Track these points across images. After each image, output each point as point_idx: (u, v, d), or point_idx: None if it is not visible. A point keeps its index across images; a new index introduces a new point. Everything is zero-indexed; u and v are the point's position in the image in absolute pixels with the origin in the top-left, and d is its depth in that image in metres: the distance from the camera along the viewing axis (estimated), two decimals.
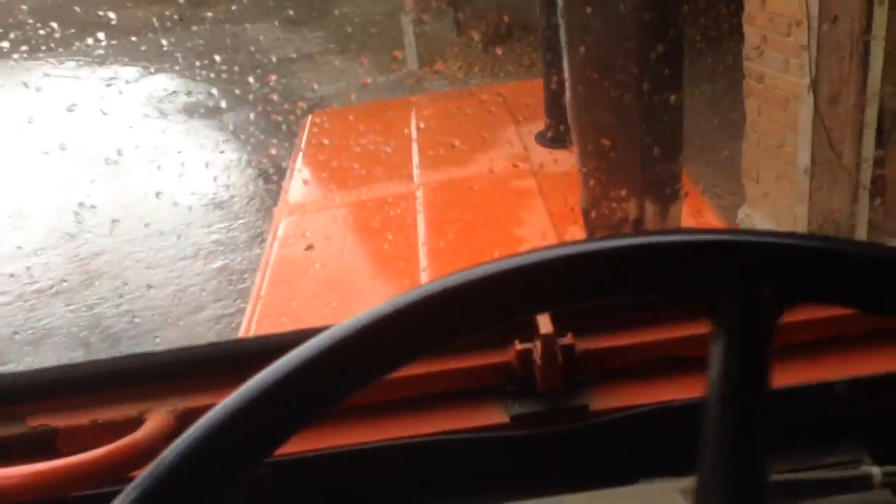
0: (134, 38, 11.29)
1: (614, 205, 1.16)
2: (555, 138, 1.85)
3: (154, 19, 12.25)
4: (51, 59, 10.74)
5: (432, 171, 1.88)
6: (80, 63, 10.52)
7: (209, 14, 12.70)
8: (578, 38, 1.12)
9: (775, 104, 3.41)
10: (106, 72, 10.05)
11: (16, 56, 10.91)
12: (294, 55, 10.02)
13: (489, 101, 2.11)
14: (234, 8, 12.16)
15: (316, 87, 8.61)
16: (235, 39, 10.91)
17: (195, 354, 0.90)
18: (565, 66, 1.22)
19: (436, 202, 1.71)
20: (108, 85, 9.68)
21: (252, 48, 10.19)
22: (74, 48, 10.69)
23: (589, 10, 1.10)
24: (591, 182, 1.25)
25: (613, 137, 1.15)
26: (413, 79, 8.47)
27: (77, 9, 12.64)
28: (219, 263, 5.32)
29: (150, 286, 5.03)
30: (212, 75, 9.25)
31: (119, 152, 6.99)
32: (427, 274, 1.47)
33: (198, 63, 9.72)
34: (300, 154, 2.11)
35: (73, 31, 11.43)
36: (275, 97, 8.21)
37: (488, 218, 1.67)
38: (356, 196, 1.82)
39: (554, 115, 1.81)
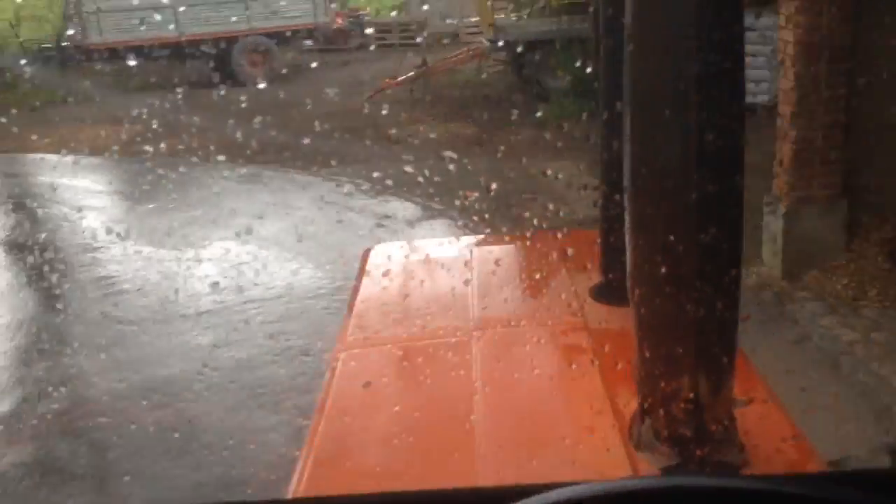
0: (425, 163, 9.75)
1: (668, 376, 1.16)
2: (610, 294, 1.73)
3: (448, 143, 10.82)
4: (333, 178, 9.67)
5: (487, 316, 1.83)
6: (358, 189, 9.20)
7: (512, 138, 11.05)
8: (642, 197, 1.09)
9: None
10: (380, 206, 8.62)
11: (298, 172, 10.04)
12: None
13: (546, 249, 2.11)
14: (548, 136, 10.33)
15: None
16: (534, 182, 8.99)
17: None
18: (626, 221, 1.17)
19: (489, 350, 1.69)
20: (380, 225, 8.11)
21: (553, 201, 8.21)
22: (349, 171, 9.52)
23: (653, 177, 1.07)
24: (644, 347, 1.20)
25: (669, 305, 1.11)
26: (771, 291, 5.90)
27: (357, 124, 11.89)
28: None
29: None
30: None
31: None
32: (477, 424, 1.43)
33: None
34: (359, 287, 2.08)
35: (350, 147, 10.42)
36: None
37: (539, 373, 1.62)
38: (413, 335, 1.79)
39: (610, 270, 1.73)
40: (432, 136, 11.36)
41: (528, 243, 2.33)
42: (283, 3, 16.93)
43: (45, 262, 7.45)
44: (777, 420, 1.41)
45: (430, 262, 2.21)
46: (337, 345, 1.80)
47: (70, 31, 16.61)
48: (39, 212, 9.21)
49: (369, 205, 8.57)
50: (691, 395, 1.15)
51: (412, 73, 13.16)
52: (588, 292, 1.84)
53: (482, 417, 1.46)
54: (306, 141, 10.86)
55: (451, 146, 10.71)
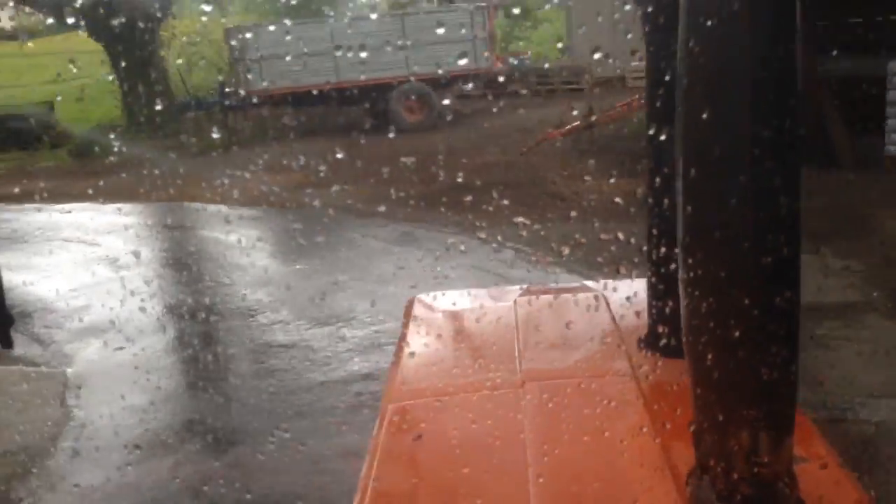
0: (595, 226, 8.77)
1: (727, 432, 1.14)
2: (659, 345, 1.70)
3: (618, 202, 9.75)
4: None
5: (534, 368, 1.78)
6: (520, 256, 8.29)
7: None
8: (698, 252, 1.09)
9: None
10: (550, 282, 7.66)
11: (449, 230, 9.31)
12: None
13: (592, 299, 2.05)
14: None
15: None
16: None
17: None
18: (680, 274, 1.13)
19: (538, 403, 1.65)
20: None
21: None
22: (510, 233, 8.64)
23: (707, 230, 1.07)
24: (701, 402, 1.18)
25: (727, 360, 1.10)
26: None
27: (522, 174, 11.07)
28: None
29: None
30: None
31: None
32: (531, 481, 1.41)
33: None
34: (406, 337, 2.01)
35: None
36: None
37: (591, 427, 1.57)
38: (460, 386, 1.76)
39: (659, 320, 1.69)
40: (601, 193, 10.34)
41: (573, 294, 2.23)
42: (442, 49, 16.50)
43: (199, 331, 7.01)
44: (839, 480, 1.37)
45: (475, 311, 2.20)
46: (384, 396, 1.77)
47: (234, 78, 16.87)
48: (194, 268, 8.91)
49: (536, 279, 7.64)
50: (751, 452, 1.13)
51: (577, 123, 12.22)
52: (636, 343, 1.80)
53: (535, 474, 1.44)
54: (465, 197, 10.17)
55: (623, 206, 9.64)
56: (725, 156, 1.02)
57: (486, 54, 16.92)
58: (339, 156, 13.62)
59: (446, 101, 17.28)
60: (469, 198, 10.11)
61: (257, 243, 9.71)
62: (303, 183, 12.64)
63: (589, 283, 2.28)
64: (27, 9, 20.90)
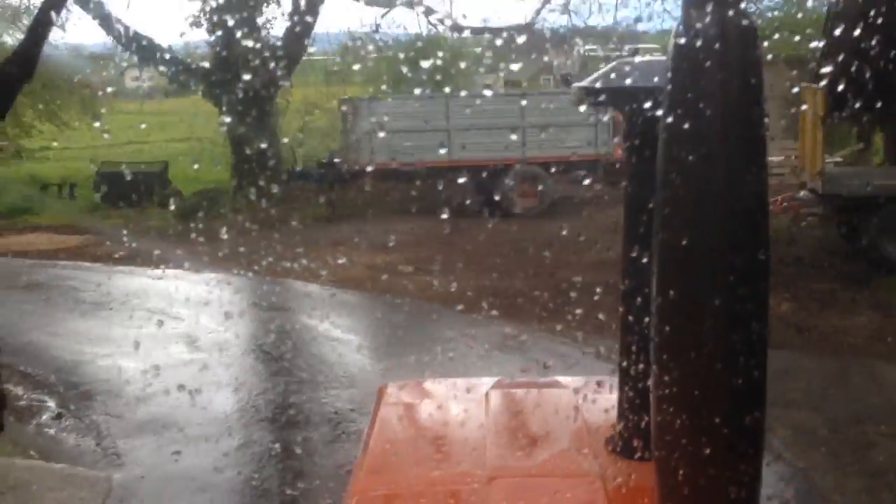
0: None
1: None
2: (626, 447, 1.68)
3: None
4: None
5: (501, 465, 1.76)
6: None
7: (841, 323, 8.51)
8: (669, 363, 1.12)
9: None
10: None
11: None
12: None
13: (563, 396, 2.04)
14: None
15: None
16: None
17: None
18: (652, 385, 1.17)
19: (505, 502, 1.65)
20: None
21: None
22: None
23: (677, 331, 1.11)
24: None
25: (693, 464, 1.12)
26: None
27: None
28: None
29: None
30: None
31: None
32: None
33: None
34: (373, 428, 1.98)
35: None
36: None
37: None
38: (427, 480, 1.74)
39: (628, 424, 1.69)
40: None
41: (544, 389, 2.17)
42: (560, 133, 15.67)
43: (269, 441, 6.15)
44: None
45: (445, 403, 2.15)
46: (349, 488, 1.72)
47: (344, 150, 16.51)
48: (276, 360, 8.15)
49: None
50: None
51: None
52: (604, 443, 1.76)
53: None
54: (573, 295, 9.14)
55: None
56: (701, 281, 1.06)
57: (608, 140, 15.97)
58: (443, 239, 12.86)
59: (563, 186, 16.39)
60: (579, 299, 9.09)
61: (347, 334, 8.90)
62: (402, 266, 11.89)
63: (562, 379, 2.18)
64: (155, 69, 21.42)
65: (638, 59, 1.51)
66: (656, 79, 1.08)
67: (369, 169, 15.60)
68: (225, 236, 13.68)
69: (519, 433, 1.93)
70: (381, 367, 7.77)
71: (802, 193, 11.03)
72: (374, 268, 11.80)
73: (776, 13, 21.54)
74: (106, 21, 17.38)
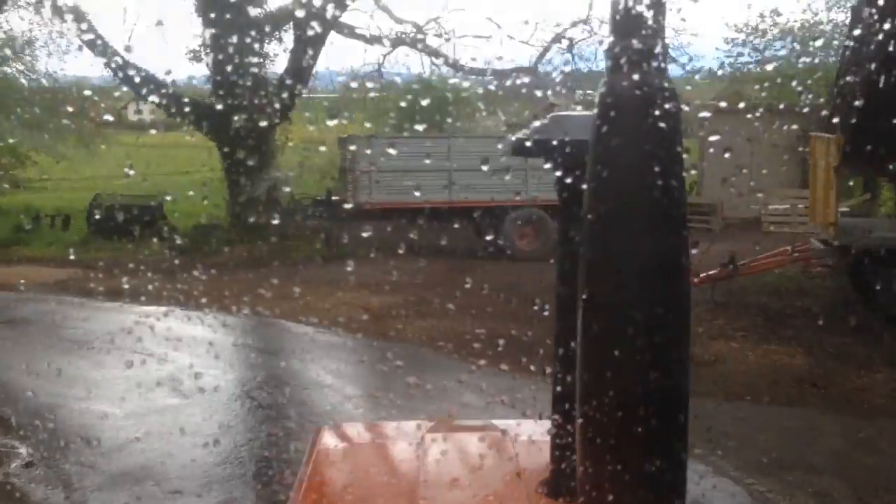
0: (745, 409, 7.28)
1: None
2: (559, 490, 1.65)
3: (771, 377, 8.07)
4: None
5: None
6: None
7: (858, 380, 8.10)
8: (592, 408, 1.14)
9: None
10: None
11: None
12: None
13: (498, 438, 2.02)
14: None
15: None
16: None
17: None
18: (578, 432, 1.19)
19: None
20: None
21: None
22: None
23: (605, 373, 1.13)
24: None
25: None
26: None
27: None
28: None
29: None
30: None
31: None
32: None
33: None
34: (306, 472, 1.93)
35: None
36: None
37: None
38: None
39: (560, 467, 1.66)
40: (747, 362, 8.72)
41: (479, 432, 2.16)
42: None
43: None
44: None
45: (381, 446, 2.16)
46: None
47: (342, 188, 16.23)
48: (265, 408, 7.75)
49: None
50: None
51: (715, 272, 10.65)
52: (538, 486, 1.73)
53: None
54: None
55: (775, 383, 7.98)
56: (622, 334, 1.08)
57: None
58: (443, 281, 12.51)
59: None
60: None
61: (338, 381, 8.49)
62: (399, 309, 11.51)
63: (496, 421, 2.17)
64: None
65: (569, 112, 1.56)
66: (585, 134, 1.12)
67: (367, 208, 15.32)
68: (215, 273, 13.33)
69: (453, 475, 1.92)
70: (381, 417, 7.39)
71: (813, 244, 10.70)
72: (369, 310, 11.43)
73: (777, 64, 21.46)
74: (105, 54, 17.22)
